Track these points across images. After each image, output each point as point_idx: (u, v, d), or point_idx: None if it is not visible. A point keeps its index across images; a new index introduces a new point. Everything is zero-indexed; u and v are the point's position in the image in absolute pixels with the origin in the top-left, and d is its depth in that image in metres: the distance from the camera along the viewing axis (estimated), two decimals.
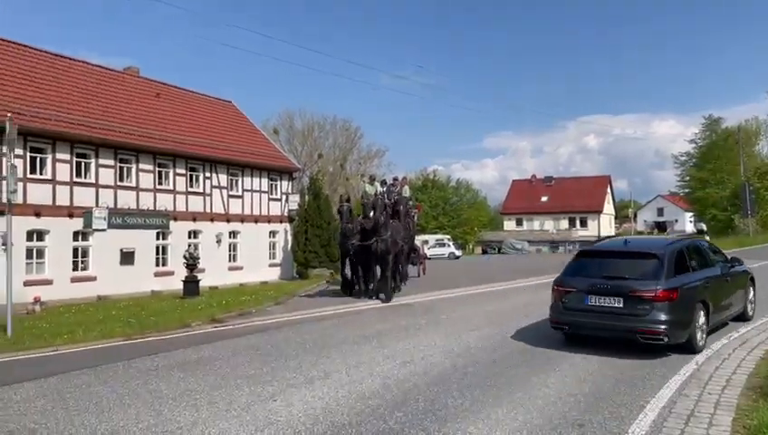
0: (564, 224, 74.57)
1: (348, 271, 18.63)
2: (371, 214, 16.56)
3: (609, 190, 77.97)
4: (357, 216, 18.42)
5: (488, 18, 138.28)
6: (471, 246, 70.95)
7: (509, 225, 78.13)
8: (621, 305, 8.51)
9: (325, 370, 8.10)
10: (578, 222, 74.00)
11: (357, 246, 17.15)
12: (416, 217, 24.21)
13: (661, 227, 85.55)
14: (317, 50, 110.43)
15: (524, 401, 6.49)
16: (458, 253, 53.03)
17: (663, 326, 8.21)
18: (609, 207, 77.62)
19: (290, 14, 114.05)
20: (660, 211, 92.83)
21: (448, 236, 58.31)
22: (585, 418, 5.93)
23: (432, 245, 53.25)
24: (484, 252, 66.10)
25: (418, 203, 39.07)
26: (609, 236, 36.88)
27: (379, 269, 17.59)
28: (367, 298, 16.93)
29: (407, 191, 22.49)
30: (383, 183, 22.06)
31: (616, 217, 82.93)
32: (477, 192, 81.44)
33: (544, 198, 76.72)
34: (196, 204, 26.06)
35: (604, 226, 73.21)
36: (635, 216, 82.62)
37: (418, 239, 26.99)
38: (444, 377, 7.60)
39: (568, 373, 7.69)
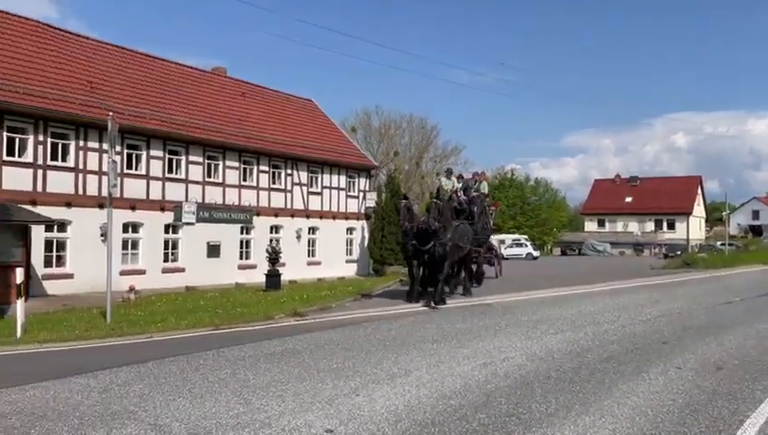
0: (650, 226, 71.54)
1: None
2: (429, 217, 15.68)
3: (699, 191, 74.17)
4: (424, 213, 17.78)
5: (571, 12, 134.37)
6: (549, 247, 69.29)
7: (590, 226, 75.74)
8: None
9: (406, 367, 8.14)
10: (665, 224, 70.81)
11: (413, 248, 16.22)
12: (493, 215, 23.45)
13: (756, 231, 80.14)
14: (395, 48, 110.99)
15: (613, 409, 6.28)
16: (536, 253, 51.97)
17: None
18: (699, 209, 73.83)
19: (368, 12, 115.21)
20: (756, 214, 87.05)
21: (526, 236, 57.20)
22: (679, 430, 5.67)
23: (509, 244, 52.44)
24: (564, 253, 64.39)
25: (496, 201, 37.92)
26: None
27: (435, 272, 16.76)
28: (414, 302, 15.81)
29: (485, 187, 21.85)
30: (460, 178, 21.48)
31: (707, 220, 78.74)
32: (557, 192, 79.35)
33: (628, 199, 73.87)
34: (277, 200, 26.83)
35: (693, 228, 69.67)
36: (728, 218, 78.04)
37: (494, 239, 26.26)
38: (526, 380, 7.47)
39: (659, 383, 7.38)
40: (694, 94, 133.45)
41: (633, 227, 72.01)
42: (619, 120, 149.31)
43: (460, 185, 20.80)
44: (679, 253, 50.48)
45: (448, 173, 20.96)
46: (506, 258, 47.07)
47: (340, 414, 6.07)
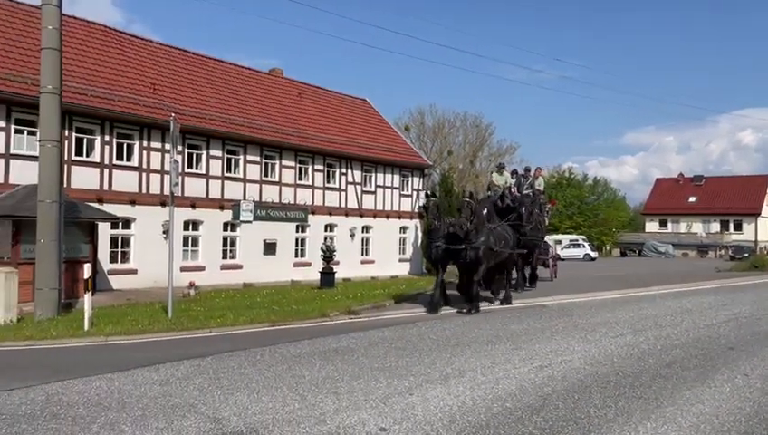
0: (715, 226, 68.64)
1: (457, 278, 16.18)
2: (461, 217, 14.03)
3: None
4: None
5: (632, 7, 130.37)
6: (608, 248, 67.45)
7: (651, 226, 73.30)
8: None
9: (460, 368, 8.08)
10: (731, 225, 67.79)
11: (442, 250, 14.61)
12: (549, 214, 22.21)
13: None
14: (451, 45, 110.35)
15: (676, 417, 6.05)
16: (594, 254, 50.73)
17: None
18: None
19: (424, 11, 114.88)
20: None
21: (583, 237, 55.87)
22: None
23: (566, 245, 51.38)
24: (623, 254, 62.58)
25: (552, 198, 36.83)
26: None
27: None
28: (436, 313, 14.00)
29: (541, 183, 20.74)
30: (514, 173, 20.46)
31: None
32: (616, 191, 77.12)
33: (692, 199, 71.14)
34: (332, 199, 27.10)
35: (762, 230, 66.44)
36: None
37: (550, 239, 25.22)
38: (584, 384, 7.29)
39: (725, 390, 7.07)
40: (763, 90, 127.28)
41: (697, 227, 69.28)
42: (682, 117, 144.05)
43: (514, 181, 19.75)
44: (747, 255, 48.27)
45: (500, 168, 20.07)
46: (563, 259, 46.21)
47: (394, 413, 6.07)
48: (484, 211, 14.96)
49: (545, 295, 17.17)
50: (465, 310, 14.02)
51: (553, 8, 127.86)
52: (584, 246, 51.63)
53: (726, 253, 59.02)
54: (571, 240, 53.25)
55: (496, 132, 72.24)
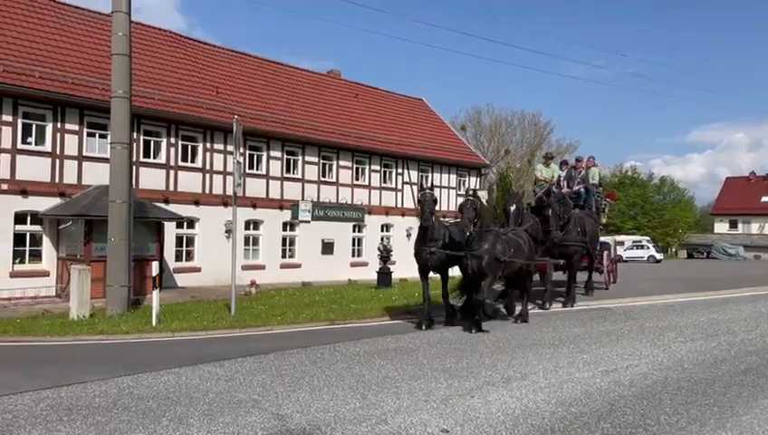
0: None
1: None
2: (463, 218, 11.22)
3: None
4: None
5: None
6: (674, 250, 64.99)
7: (720, 227, 70.15)
8: None
9: (521, 371, 7.93)
10: None
11: (436, 257, 11.85)
12: (606, 209, 18.87)
13: None
14: (509, 43, 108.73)
15: (753, 426, 5.75)
16: (659, 256, 49.00)
17: None
18: None
19: (480, 8, 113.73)
20: None
21: (647, 238, 54.05)
22: None
23: (629, 246, 49.86)
24: (690, 256, 60.18)
25: (611, 191, 34.33)
26: None
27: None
28: (424, 329, 11.44)
29: (594, 175, 17.67)
30: (564, 164, 17.77)
31: None
32: (684, 191, 74.18)
33: (765, 198, 67.68)
34: (388, 199, 27.19)
35: None
36: None
37: (611, 239, 22.19)
38: (653, 390, 7.02)
39: None
40: None
41: None
42: (751, 113, 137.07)
43: (563, 173, 16.99)
44: None
45: (547, 159, 17.54)
46: (625, 261, 44.82)
47: (456, 415, 6.01)
48: (513, 208, 13.05)
49: (609, 298, 16.63)
50: (470, 329, 11.22)
51: (613, 2, 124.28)
52: (648, 248, 49.96)
53: None
54: (634, 241, 51.61)
55: (555, 130, 70.80)
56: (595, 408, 6.30)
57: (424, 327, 11.38)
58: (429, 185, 12.95)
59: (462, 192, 30.34)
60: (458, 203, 14.95)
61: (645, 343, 9.91)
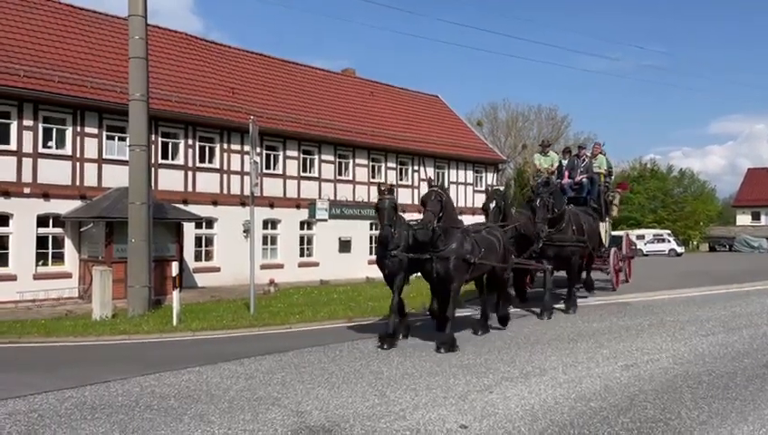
0: None
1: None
2: (428, 212, 9.21)
3: None
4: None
5: None
6: (696, 243, 64.11)
7: (742, 219, 69.00)
8: None
9: (540, 366, 7.91)
10: None
11: (398, 261, 10.03)
12: (615, 200, 16.95)
13: None
14: (524, 37, 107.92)
15: None
16: (680, 249, 48.42)
17: None
18: None
19: (495, 2, 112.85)
20: None
21: (668, 231, 53.42)
22: None
23: (649, 240, 49.35)
24: (712, 249, 59.34)
25: (623, 181, 32.88)
26: None
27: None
28: (388, 347, 9.34)
29: (601, 163, 15.92)
30: (567, 153, 16.23)
31: None
32: (704, 183, 73.11)
33: None
34: (405, 196, 27.17)
35: None
36: None
37: (624, 234, 21.12)
38: (674, 385, 6.97)
39: None
40: None
41: None
42: None
43: (566, 163, 15.57)
44: None
45: (544, 147, 15.95)
46: (646, 255, 44.34)
47: (474, 410, 6.02)
48: (492, 206, 11.91)
49: (628, 292, 16.49)
50: (439, 347, 9.20)
51: None
52: (669, 241, 49.39)
53: None
54: (655, 235, 51.06)
55: (572, 124, 70.25)
56: (615, 402, 6.27)
57: (386, 347, 9.31)
58: (388, 185, 10.56)
59: (480, 188, 30.32)
60: (482, 200, 13.27)
61: (665, 337, 9.83)
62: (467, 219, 28.93)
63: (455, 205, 10.05)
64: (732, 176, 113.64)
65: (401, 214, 10.57)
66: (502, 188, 17.33)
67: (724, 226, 68.43)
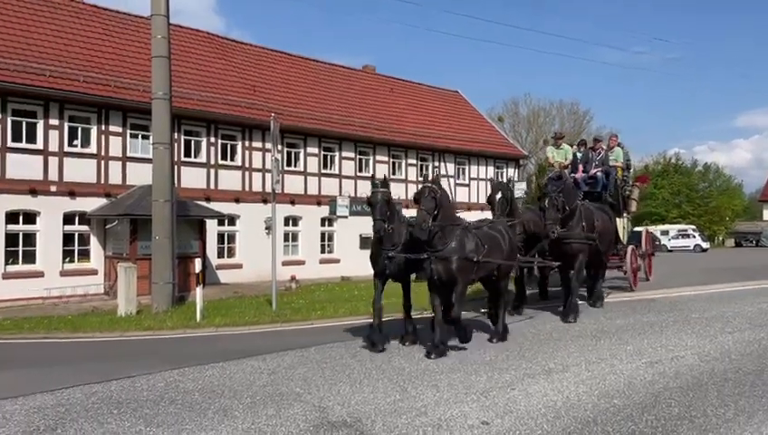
0: None
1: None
2: (421, 210, 8.56)
3: None
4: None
5: None
6: (721, 238, 63.04)
7: None
8: None
9: (563, 363, 7.85)
10: None
11: (395, 261, 9.69)
12: (634, 195, 15.94)
13: None
14: (546, 31, 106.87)
15: None
16: (705, 245, 47.66)
17: None
18: None
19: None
20: None
21: (693, 227, 52.61)
22: None
23: (674, 235, 48.71)
24: (738, 244, 58.30)
25: (643, 174, 31.70)
26: None
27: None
28: (378, 350, 8.94)
29: (618, 156, 14.94)
30: (582, 145, 15.49)
31: None
32: (730, 178, 71.77)
33: None
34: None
35: None
36: None
37: (657, 230, 20.75)
38: (699, 382, 6.87)
39: None
40: None
41: None
42: None
43: (580, 155, 14.88)
44: None
45: (557, 139, 15.19)
46: (671, 250, 43.73)
47: (496, 407, 6.00)
48: (498, 196, 11.28)
49: (653, 289, 16.27)
50: (429, 354, 8.49)
51: None
52: (694, 237, 48.66)
53: None
54: (679, 230, 50.34)
55: (595, 119, 69.41)
56: (639, 400, 6.21)
57: (381, 348, 8.92)
58: (381, 178, 9.89)
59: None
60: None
61: (690, 334, 9.68)
62: (488, 215, 28.48)
63: (451, 200, 9.33)
64: (758, 170, 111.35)
65: (404, 209, 10.40)
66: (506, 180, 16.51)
67: (750, 221, 67.13)
